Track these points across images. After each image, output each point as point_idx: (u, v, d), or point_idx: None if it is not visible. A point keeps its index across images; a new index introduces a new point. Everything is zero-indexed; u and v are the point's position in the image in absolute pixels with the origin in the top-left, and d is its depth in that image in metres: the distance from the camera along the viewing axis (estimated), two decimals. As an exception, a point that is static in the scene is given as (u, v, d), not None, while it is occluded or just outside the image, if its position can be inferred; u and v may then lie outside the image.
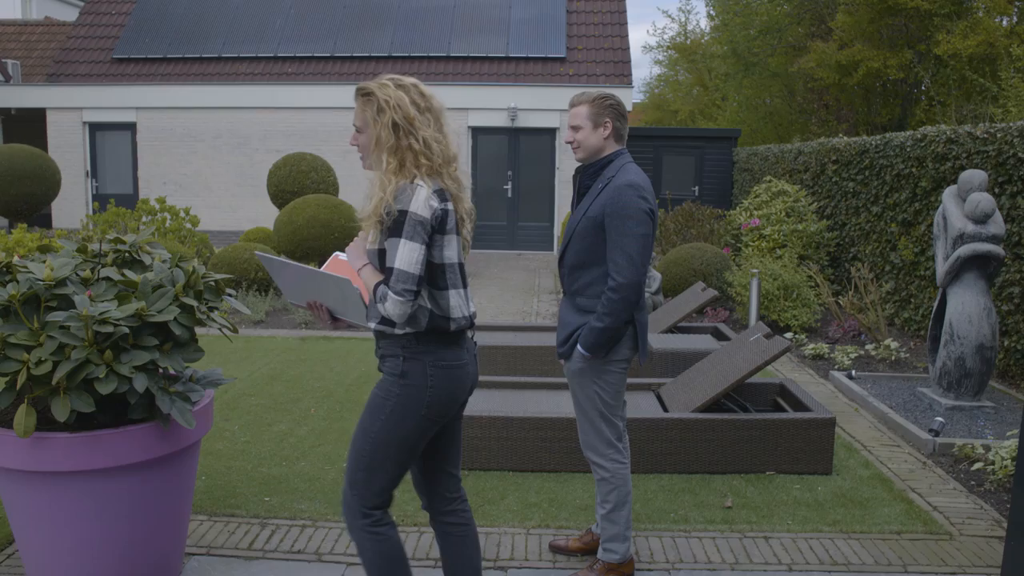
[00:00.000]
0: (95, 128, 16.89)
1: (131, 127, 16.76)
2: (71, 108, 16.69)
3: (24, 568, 3.23)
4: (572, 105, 3.26)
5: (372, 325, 2.58)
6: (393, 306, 2.43)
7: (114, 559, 3.05)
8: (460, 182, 2.64)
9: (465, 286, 2.66)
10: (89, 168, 16.96)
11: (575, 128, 3.24)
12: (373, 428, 2.60)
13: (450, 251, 2.58)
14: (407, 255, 2.44)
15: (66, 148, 16.74)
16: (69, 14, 24.96)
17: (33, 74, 18.42)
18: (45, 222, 16.90)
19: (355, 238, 2.66)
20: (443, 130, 2.61)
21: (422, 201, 2.46)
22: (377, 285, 2.49)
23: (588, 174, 3.27)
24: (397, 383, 2.57)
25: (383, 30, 17.19)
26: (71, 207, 16.78)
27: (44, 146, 16.96)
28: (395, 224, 2.46)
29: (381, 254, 2.53)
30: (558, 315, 3.43)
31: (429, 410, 2.59)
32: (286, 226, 10.30)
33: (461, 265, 2.65)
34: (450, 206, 2.58)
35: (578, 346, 3.22)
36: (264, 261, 2.69)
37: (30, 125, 17.37)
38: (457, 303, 2.60)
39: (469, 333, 2.70)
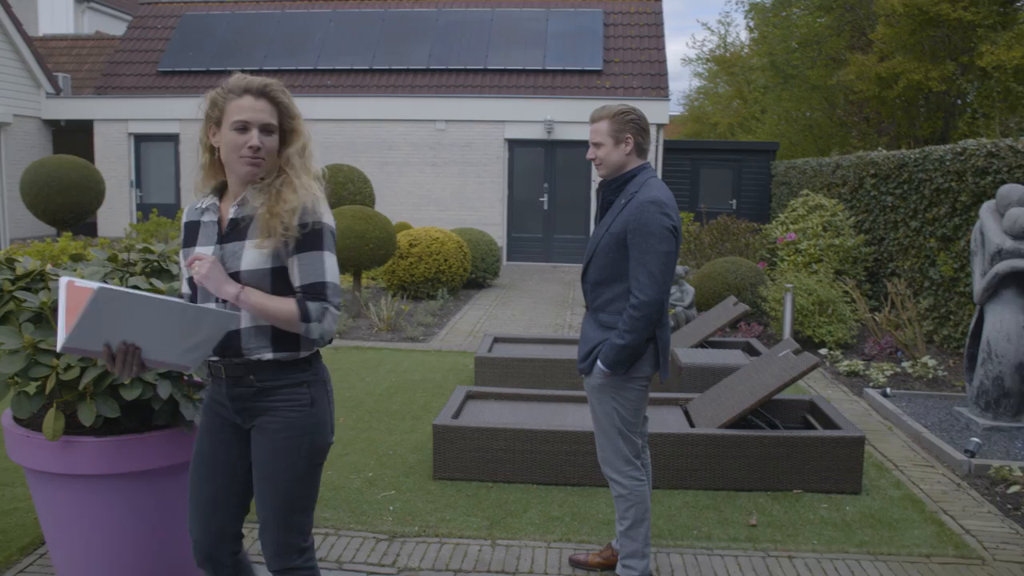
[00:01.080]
0: (140, 139, 17.28)
1: (174, 138, 17.11)
2: (117, 120, 17.10)
3: (54, 568, 3.30)
4: (593, 120, 3.24)
5: (269, 356, 2.28)
6: (332, 322, 2.26)
7: (138, 560, 3.11)
8: None
9: None
10: (133, 178, 17.34)
11: (596, 145, 3.23)
12: (300, 470, 2.33)
13: None
14: (334, 267, 2.29)
15: (112, 159, 17.15)
16: (119, 28, 25.59)
17: (83, 87, 18.90)
18: (91, 231, 17.29)
19: (204, 261, 2.22)
20: None
21: (329, 210, 2.33)
22: (304, 304, 2.23)
23: (611, 189, 3.26)
24: (308, 413, 2.33)
25: (421, 43, 17.36)
26: (116, 216, 17.17)
27: (91, 157, 17.38)
28: (315, 236, 2.26)
29: (278, 272, 2.26)
30: (581, 330, 3.40)
31: (331, 435, 2.41)
32: (321, 236, 10.41)
33: None
34: None
35: (598, 362, 3.21)
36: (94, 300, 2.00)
37: (78, 136, 17.83)
38: None
39: None
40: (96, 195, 14.48)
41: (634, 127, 3.19)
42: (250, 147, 2.24)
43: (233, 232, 2.31)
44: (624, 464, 3.30)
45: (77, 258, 3.33)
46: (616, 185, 3.25)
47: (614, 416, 3.26)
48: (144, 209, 17.07)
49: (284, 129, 2.34)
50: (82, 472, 2.94)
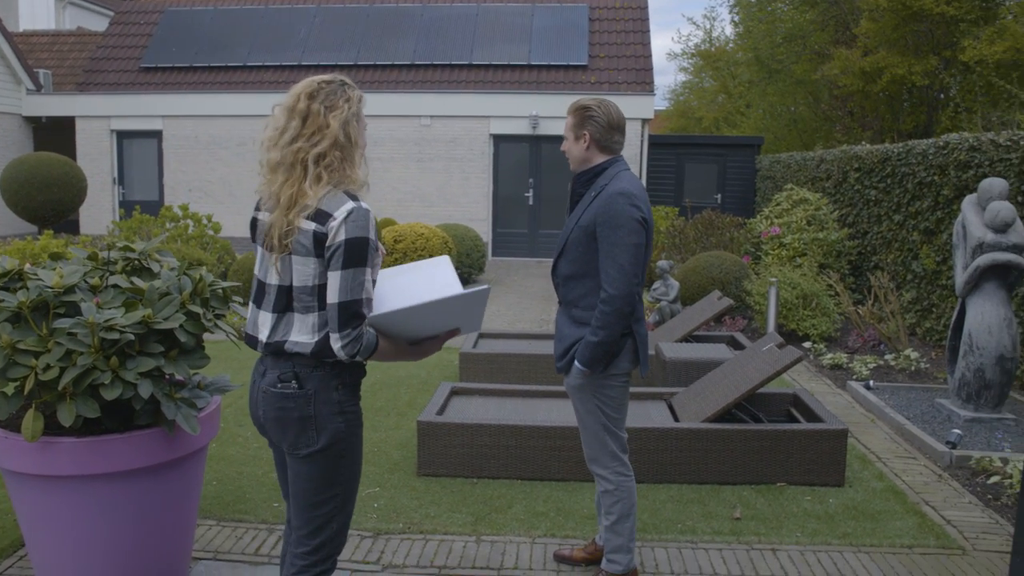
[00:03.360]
0: (122, 136, 17.15)
1: (157, 135, 16.99)
2: (99, 116, 16.96)
3: (34, 570, 3.27)
4: (567, 115, 3.26)
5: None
6: None
7: (120, 562, 3.09)
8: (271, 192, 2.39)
9: (259, 305, 2.43)
10: (116, 175, 17.21)
11: (565, 138, 3.25)
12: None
13: (258, 263, 2.48)
14: None
15: (94, 156, 17.01)
16: (101, 24, 25.36)
17: (65, 83, 18.74)
18: (73, 228, 17.16)
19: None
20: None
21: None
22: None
23: (581, 182, 3.23)
24: None
25: (406, 39, 17.30)
26: (98, 214, 17.04)
27: (73, 154, 17.25)
28: None
29: None
30: (555, 326, 3.36)
31: None
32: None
33: (259, 281, 2.44)
34: (260, 215, 2.49)
35: (575, 361, 3.18)
36: (380, 320, 2.33)
37: (60, 133, 17.68)
38: (250, 318, 2.47)
39: (261, 354, 2.44)
40: (78, 192, 14.38)
41: (593, 124, 3.13)
42: None
43: None
44: (611, 460, 3.29)
45: (57, 256, 3.30)
46: (586, 178, 3.22)
47: (598, 414, 3.24)
48: (127, 206, 16.96)
49: None
50: (62, 473, 2.92)
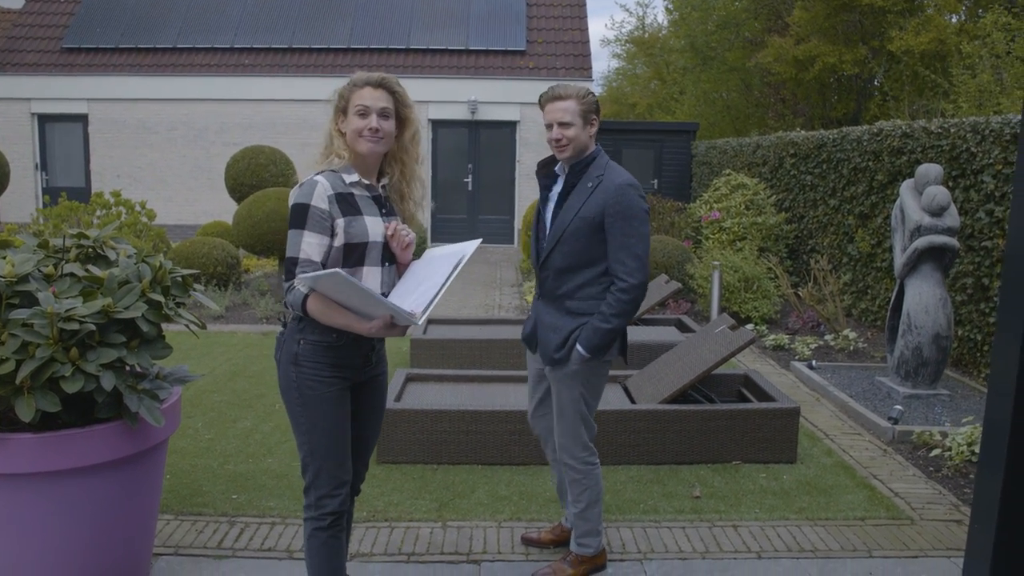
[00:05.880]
0: (44, 119, 16.46)
1: (83, 119, 16.36)
2: (19, 99, 16.24)
3: (-14, 572, 3.14)
4: (555, 99, 3.13)
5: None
6: None
7: (81, 561, 2.99)
8: None
9: None
10: (39, 161, 16.52)
11: (565, 124, 3.12)
12: None
13: None
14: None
15: (14, 140, 16.29)
16: (14, 1, 24.22)
17: (-22, 63, 17.85)
18: (-8, 216, 16.43)
19: (408, 230, 2.78)
20: None
21: None
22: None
23: (574, 172, 3.20)
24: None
25: (342, 21, 17.00)
26: (20, 201, 16.34)
27: (-10, 138, 16.48)
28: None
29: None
30: (536, 320, 3.32)
31: None
32: (245, 220, 10.15)
33: None
34: None
35: (578, 348, 3.15)
36: (310, 281, 2.45)
37: (-25, 116, 16.86)
38: None
39: None
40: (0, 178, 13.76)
41: (597, 109, 3.19)
42: (370, 129, 2.62)
43: (389, 207, 2.78)
44: (581, 450, 3.30)
45: (5, 244, 3.15)
46: (579, 168, 3.19)
47: (580, 402, 3.24)
48: (51, 193, 16.29)
49: (399, 116, 2.72)
50: (20, 471, 2.80)
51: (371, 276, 2.67)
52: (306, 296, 2.52)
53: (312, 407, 2.64)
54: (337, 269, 2.31)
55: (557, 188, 3.29)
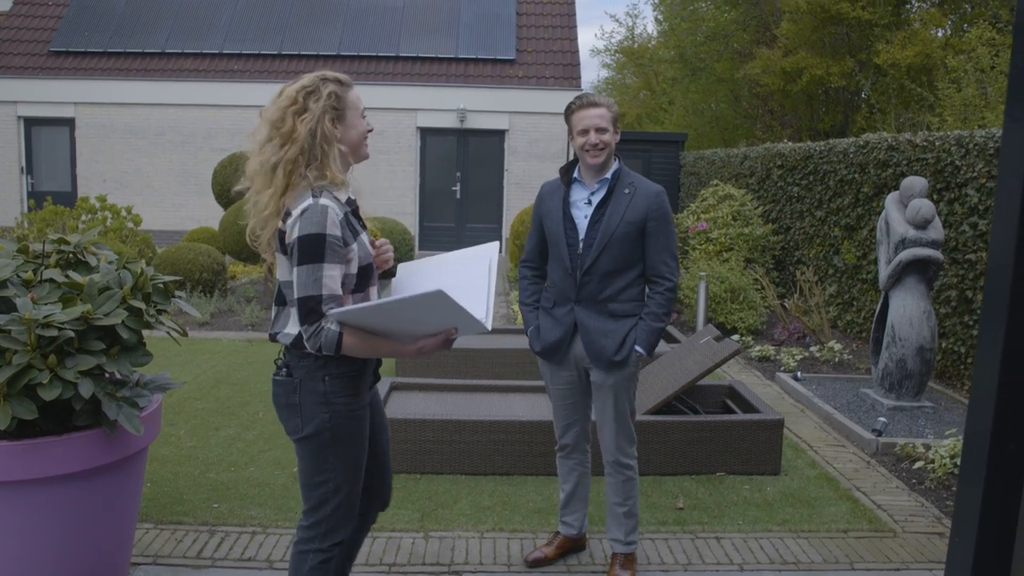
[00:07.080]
0: (31, 123, 16.37)
1: (69, 123, 16.27)
2: (5, 102, 16.14)
3: (-41, 581, 3.10)
4: (591, 105, 3.18)
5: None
6: None
7: (58, 570, 2.95)
8: None
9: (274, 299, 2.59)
10: (24, 164, 16.42)
11: (601, 130, 3.17)
12: None
13: None
14: None
15: None
16: (3, 2, 24.10)
17: (-36, 66, 17.74)
18: (-25, 220, 16.30)
19: (390, 247, 2.68)
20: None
21: None
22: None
23: (615, 178, 3.28)
24: None
25: (331, 28, 16.99)
26: (5, 205, 16.23)
27: (-24, 141, 16.37)
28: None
29: None
30: (580, 325, 3.28)
31: None
32: (232, 226, 10.11)
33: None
34: None
35: (638, 348, 3.25)
36: (345, 316, 2.30)
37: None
38: None
39: None
40: (-16, 182, 13.65)
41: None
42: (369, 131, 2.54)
43: (360, 219, 2.55)
44: (631, 446, 3.44)
45: (-17, 250, 3.12)
46: (617, 174, 3.29)
47: (633, 401, 3.40)
48: (37, 197, 16.17)
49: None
50: (-5, 477, 2.77)
51: (374, 296, 2.53)
52: (339, 334, 2.31)
53: (348, 444, 2.47)
54: (440, 288, 2.14)
55: (583, 193, 3.31)
